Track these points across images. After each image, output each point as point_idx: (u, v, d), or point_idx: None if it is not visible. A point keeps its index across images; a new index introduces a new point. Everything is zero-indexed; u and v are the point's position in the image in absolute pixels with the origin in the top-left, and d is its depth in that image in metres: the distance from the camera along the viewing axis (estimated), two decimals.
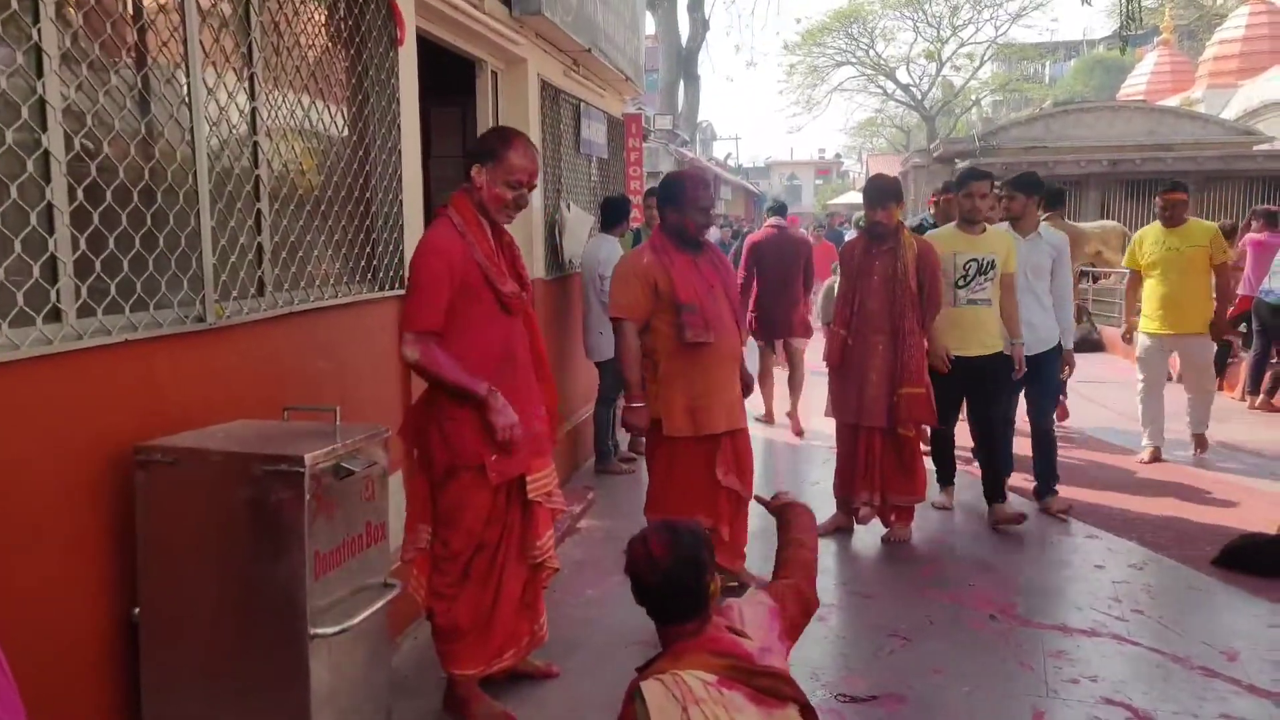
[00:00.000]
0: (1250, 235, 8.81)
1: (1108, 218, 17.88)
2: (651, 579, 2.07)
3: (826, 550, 4.64)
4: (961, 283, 4.81)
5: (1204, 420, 6.45)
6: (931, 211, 7.10)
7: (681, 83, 24.30)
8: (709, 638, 2.08)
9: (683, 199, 3.70)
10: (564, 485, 5.89)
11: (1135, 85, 28.08)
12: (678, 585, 2.06)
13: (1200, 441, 6.48)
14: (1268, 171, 18.22)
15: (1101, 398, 8.66)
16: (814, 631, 3.39)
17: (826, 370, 4.82)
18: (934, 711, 3.11)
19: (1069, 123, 19.83)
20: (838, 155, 56.39)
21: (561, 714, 3.10)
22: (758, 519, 3.85)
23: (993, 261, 4.79)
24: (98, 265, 2.28)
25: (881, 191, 4.58)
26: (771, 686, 2.05)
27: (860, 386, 4.55)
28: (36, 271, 2.10)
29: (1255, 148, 19.19)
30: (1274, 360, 8.16)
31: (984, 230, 4.87)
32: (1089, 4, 30.45)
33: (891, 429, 4.55)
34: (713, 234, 13.53)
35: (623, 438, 6.68)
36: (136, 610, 2.31)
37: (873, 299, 4.52)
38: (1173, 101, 23.81)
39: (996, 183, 5.32)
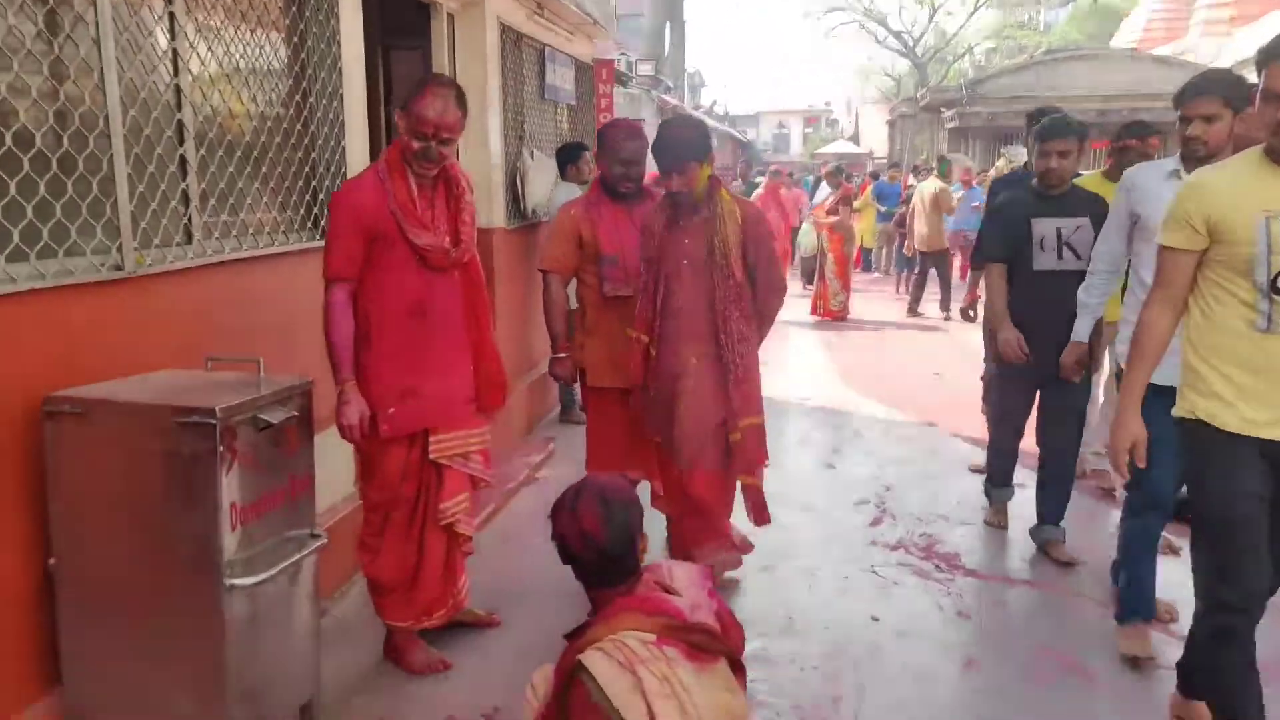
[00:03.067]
0: None
1: (1094, 169, 17.77)
2: (586, 554, 2.06)
3: None
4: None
5: None
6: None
7: (667, 27, 23.90)
8: (640, 597, 2.08)
9: (604, 148, 3.63)
10: (528, 435, 5.90)
11: (1131, 33, 27.70)
12: (611, 556, 2.06)
13: None
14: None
15: None
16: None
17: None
18: (863, 656, 3.13)
19: (1058, 71, 19.58)
20: (827, 104, 55.76)
21: (505, 662, 3.11)
22: None
23: None
24: None
25: (673, 150, 3.19)
26: (703, 642, 2.06)
27: (669, 417, 3.32)
28: None
29: None
30: None
31: None
32: None
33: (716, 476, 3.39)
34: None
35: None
36: (51, 561, 2.29)
37: (683, 294, 3.26)
38: (1165, 50, 23.52)
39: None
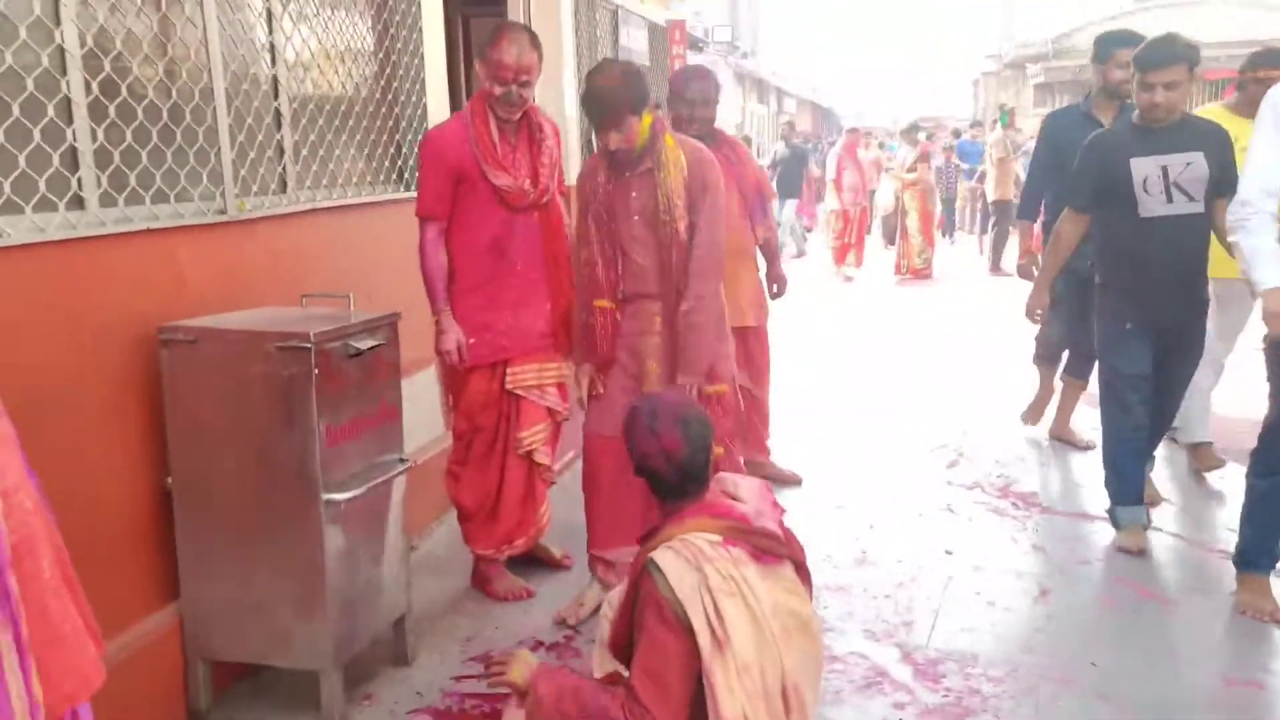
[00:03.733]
0: None
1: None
2: (668, 471, 2.14)
3: None
4: None
5: None
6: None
7: None
8: (708, 504, 2.17)
9: (672, 92, 3.77)
10: None
11: None
12: (690, 472, 2.14)
13: None
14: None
15: None
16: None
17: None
18: (935, 586, 3.18)
19: (1150, 21, 18.71)
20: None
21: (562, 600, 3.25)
22: None
23: None
24: (116, 157, 2.42)
25: (603, 104, 2.76)
26: (768, 545, 2.15)
27: (639, 379, 2.98)
28: (56, 160, 2.25)
29: None
30: None
31: None
32: None
33: None
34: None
35: None
36: (169, 479, 2.50)
37: (639, 251, 2.92)
38: None
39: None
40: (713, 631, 1.99)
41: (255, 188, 2.94)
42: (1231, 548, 3.10)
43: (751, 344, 3.96)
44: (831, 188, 10.92)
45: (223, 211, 2.75)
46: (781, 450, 4.33)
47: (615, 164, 2.90)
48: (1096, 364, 3.62)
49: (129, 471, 2.45)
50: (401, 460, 2.73)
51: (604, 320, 2.93)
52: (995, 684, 2.61)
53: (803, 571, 2.21)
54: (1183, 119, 3.29)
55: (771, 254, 4.17)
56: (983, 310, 8.79)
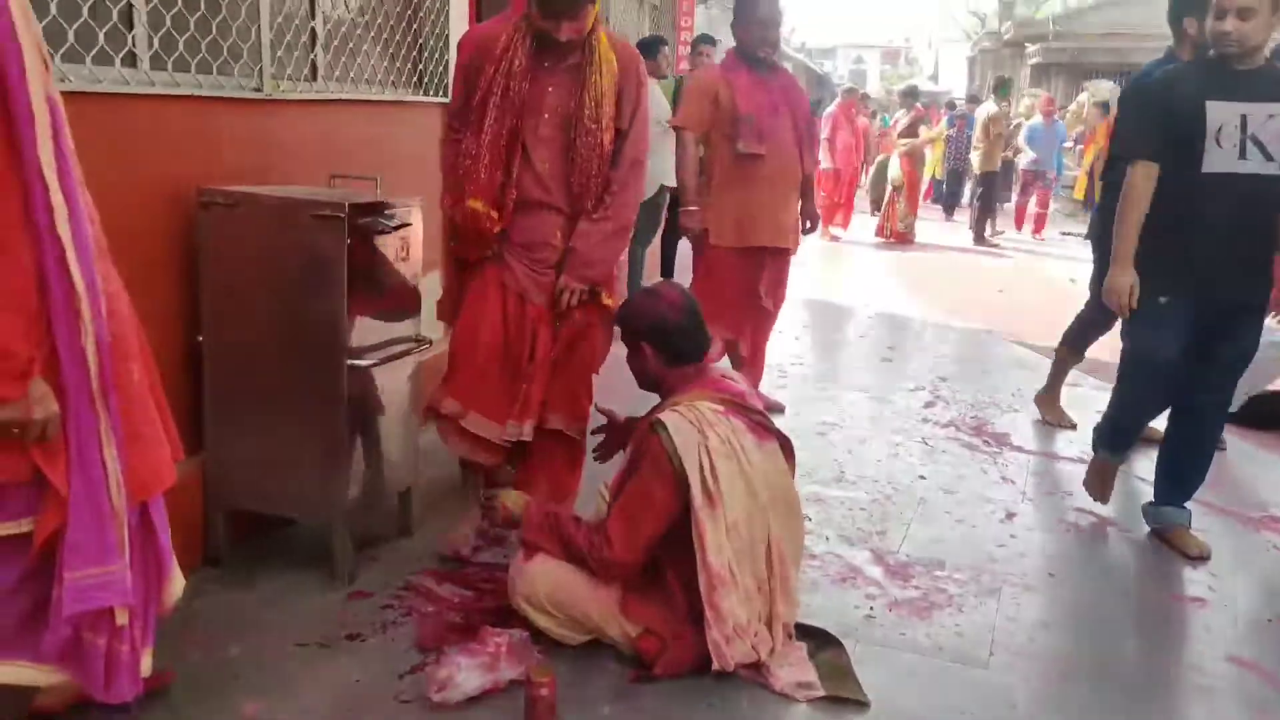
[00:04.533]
0: None
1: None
2: (676, 318, 2.35)
3: None
4: None
5: None
6: None
7: None
8: (709, 380, 2.39)
9: (740, 13, 3.92)
10: None
11: None
12: (692, 324, 2.36)
13: None
14: None
15: None
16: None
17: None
18: (909, 504, 3.38)
19: (1152, 6, 18.83)
20: (907, 40, 54.21)
21: None
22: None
23: None
24: (168, 20, 2.50)
25: None
26: (764, 421, 2.36)
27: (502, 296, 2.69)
28: (115, 15, 2.33)
29: None
30: None
31: None
32: None
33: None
34: None
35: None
36: (200, 338, 2.62)
37: (543, 151, 2.62)
38: None
39: None
40: (706, 488, 2.18)
41: (290, 71, 3.02)
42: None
43: (780, 265, 4.13)
44: (825, 147, 11.00)
45: (259, 89, 2.84)
46: (764, 385, 4.50)
47: (539, 50, 2.56)
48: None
49: (162, 326, 2.55)
50: (418, 340, 2.86)
51: (475, 224, 2.61)
52: (959, 585, 2.81)
53: (789, 454, 2.40)
54: (1265, 64, 2.82)
55: (809, 189, 4.21)
56: (963, 273, 9.00)
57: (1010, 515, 3.35)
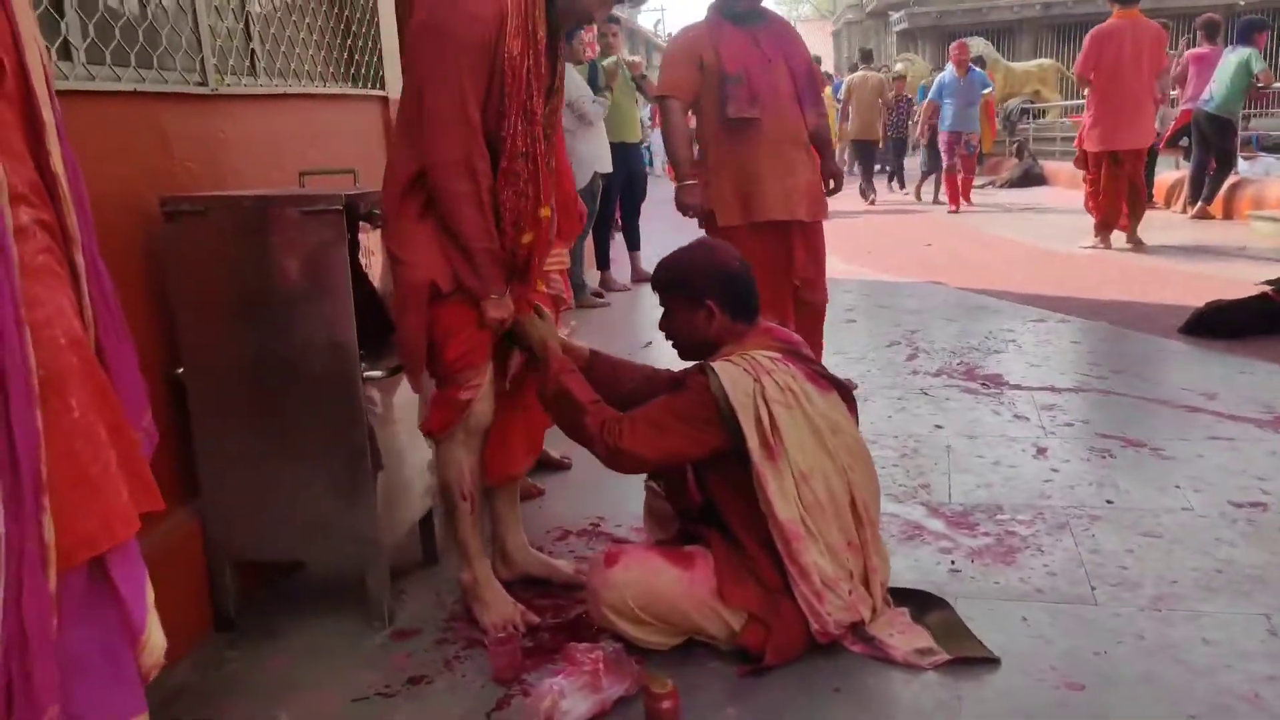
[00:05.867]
0: (1191, 50, 8.93)
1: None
2: (741, 269, 2.21)
3: None
4: None
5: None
6: None
7: None
8: (765, 329, 2.23)
9: None
10: None
11: None
12: (751, 279, 2.22)
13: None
14: (1190, 9, 18.40)
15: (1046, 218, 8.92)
16: None
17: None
18: (938, 454, 3.26)
19: None
20: None
21: (584, 488, 3.18)
22: None
23: None
24: (101, 5, 2.16)
25: None
26: (821, 371, 2.19)
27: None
28: (45, 2, 1.98)
29: None
30: (1210, 172, 8.41)
31: None
32: None
33: None
34: None
35: (592, 278, 6.70)
36: (180, 370, 2.28)
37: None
38: None
39: None
40: (765, 439, 2.02)
41: (231, 64, 2.69)
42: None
43: (811, 241, 3.64)
44: None
45: (203, 84, 2.50)
46: None
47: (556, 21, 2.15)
48: None
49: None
50: None
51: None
52: (1027, 526, 2.69)
53: (851, 406, 2.24)
54: None
55: (823, 144, 3.72)
56: (881, 233, 9.08)
57: (1041, 450, 3.26)
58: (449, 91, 2.01)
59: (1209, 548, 2.50)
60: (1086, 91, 7.24)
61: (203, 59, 2.51)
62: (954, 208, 10.37)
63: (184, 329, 2.26)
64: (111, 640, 1.55)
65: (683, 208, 3.64)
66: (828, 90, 13.00)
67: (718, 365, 2.08)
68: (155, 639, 1.64)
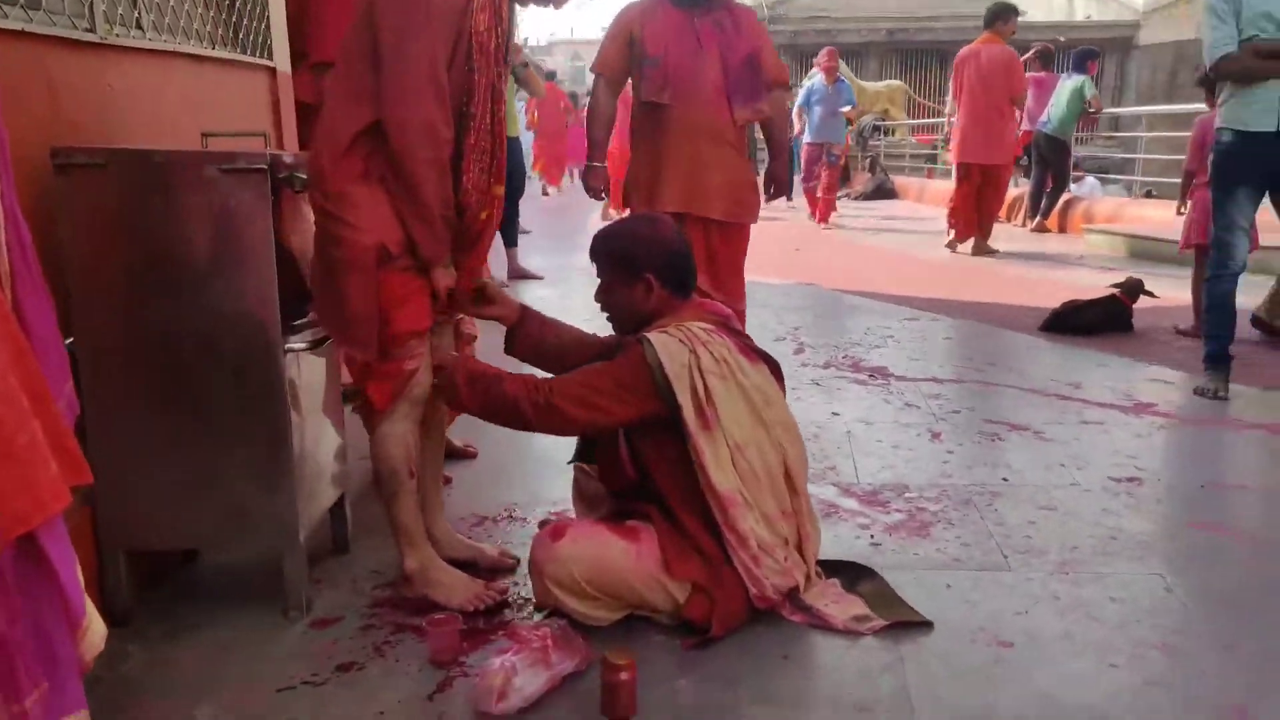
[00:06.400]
0: (1030, 75, 9.60)
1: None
2: (682, 246, 2.23)
3: None
4: None
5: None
6: None
7: None
8: (698, 303, 2.26)
9: None
10: None
11: None
12: (688, 255, 2.24)
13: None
14: (1020, 44, 19.83)
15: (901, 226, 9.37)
16: None
17: None
18: (840, 439, 3.36)
19: None
20: None
21: (495, 475, 3.11)
22: None
23: None
24: None
25: None
26: (750, 344, 2.23)
27: None
28: None
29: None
30: (1048, 189, 9.07)
31: None
32: None
33: None
34: None
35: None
36: (69, 340, 2.06)
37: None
38: None
39: None
40: (700, 410, 2.05)
41: (120, 11, 2.47)
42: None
43: (716, 244, 3.42)
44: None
45: (91, 29, 2.29)
46: None
47: None
48: None
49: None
50: None
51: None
52: (934, 503, 2.80)
53: (779, 378, 2.29)
54: None
55: (774, 144, 3.56)
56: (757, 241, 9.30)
57: (935, 434, 3.41)
58: (419, 53, 1.93)
59: (1099, 518, 2.68)
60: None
61: (91, 5, 2.29)
62: (820, 221, 10.15)
63: (76, 295, 2.05)
64: (48, 630, 1.38)
65: (589, 189, 3.63)
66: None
67: (653, 336, 2.08)
68: (96, 626, 1.49)
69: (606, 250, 2.22)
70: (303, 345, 2.17)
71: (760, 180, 3.59)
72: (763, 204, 3.58)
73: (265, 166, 2.02)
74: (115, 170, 2.01)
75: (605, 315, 2.28)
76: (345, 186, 2.01)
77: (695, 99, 3.27)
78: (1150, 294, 5.04)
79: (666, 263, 2.17)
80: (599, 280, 2.25)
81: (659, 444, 2.11)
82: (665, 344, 2.06)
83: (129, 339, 2.07)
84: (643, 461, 2.16)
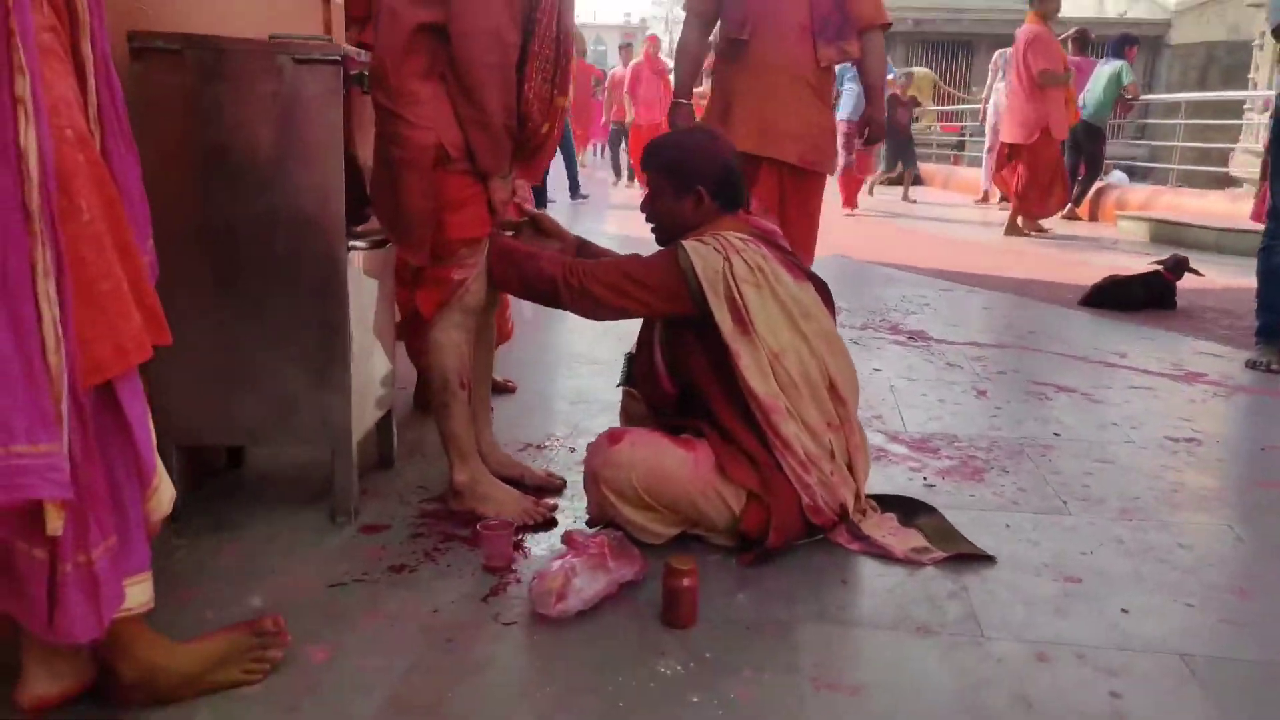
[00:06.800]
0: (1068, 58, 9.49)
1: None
2: (733, 159, 2.19)
3: None
4: None
5: None
6: None
7: None
8: (743, 216, 2.23)
9: None
10: None
11: None
12: (741, 170, 2.22)
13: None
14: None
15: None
16: None
17: None
18: (884, 392, 3.32)
19: None
20: (643, 21, 55.44)
21: (537, 408, 3.08)
22: None
23: None
24: None
25: None
26: (797, 262, 2.18)
27: None
28: None
29: None
30: (1081, 175, 8.97)
31: None
32: None
33: None
34: None
35: None
36: None
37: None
38: None
39: None
40: (739, 316, 2.03)
41: None
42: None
43: (797, 192, 3.20)
44: (627, 100, 10.92)
45: None
46: None
47: None
48: None
49: None
50: None
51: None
52: (985, 452, 2.76)
53: (828, 302, 2.24)
54: None
55: (872, 91, 3.33)
56: None
57: (981, 392, 3.37)
58: None
59: (1159, 473, 2.63)
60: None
61: None
62: (849, 209, 9.53)
63: (148, 180, 2.00)
64: (120, 482, 1.35)
65: (672, 127, 3.51)
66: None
67: (688, 244, 2.07)
68: (165, 487, 1.47)
69: (660, 159, 2.19)
70: (364, 245, 2.13)
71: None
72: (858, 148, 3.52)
73: (339, 58, 1.97)
74: (190, 57, 1.97)
75: (650, 225, 2.25)
76: (408, 83, 1.97)
77: (776, 35, 3.09)
78: (1196, 271, 4.97)
79: (720, 176, 2.14)
80: (649, 188, 2.23)
81: (697, 351, 2.09)
82: (698, 250, 2.04)
83: (195, 226, 2.03)
84: (683, 373, 2.13)
